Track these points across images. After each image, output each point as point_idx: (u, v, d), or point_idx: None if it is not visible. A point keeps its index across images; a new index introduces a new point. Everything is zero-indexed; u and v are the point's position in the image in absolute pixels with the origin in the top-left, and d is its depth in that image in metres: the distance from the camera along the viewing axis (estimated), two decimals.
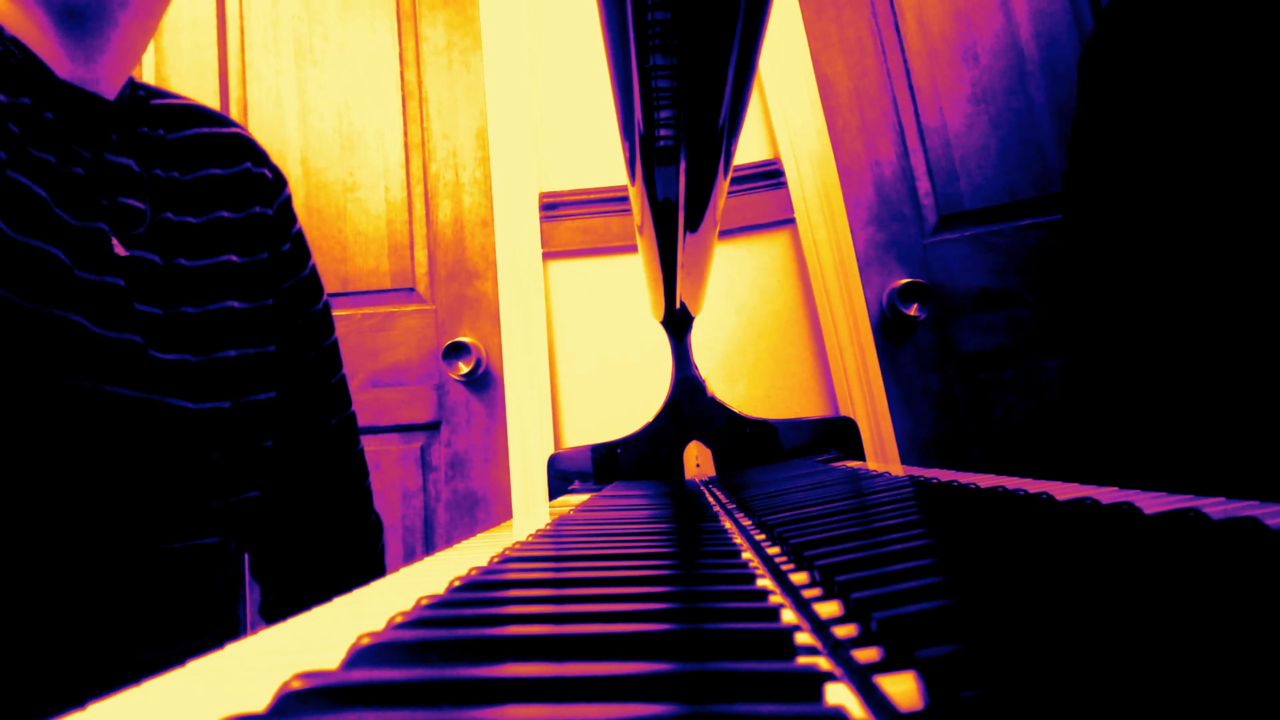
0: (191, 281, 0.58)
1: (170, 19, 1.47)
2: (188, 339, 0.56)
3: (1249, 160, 0.69)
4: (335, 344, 0.73)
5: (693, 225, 0.56)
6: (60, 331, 0.47)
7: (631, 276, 1.39)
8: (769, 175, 1.38)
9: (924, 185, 1.36)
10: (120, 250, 0.53)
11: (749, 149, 1.40)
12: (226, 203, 0.63)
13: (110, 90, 0.56)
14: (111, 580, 0.50)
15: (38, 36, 0.52)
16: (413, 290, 1.45)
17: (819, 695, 0.16)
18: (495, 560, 0.35)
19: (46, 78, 0.52)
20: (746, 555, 0.36)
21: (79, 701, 0.20)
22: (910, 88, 1.38)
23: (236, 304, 0.60)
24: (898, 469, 0.74)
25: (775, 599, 0.26)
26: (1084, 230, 0.86)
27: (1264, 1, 0.69)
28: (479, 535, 0.54)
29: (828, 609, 0.25)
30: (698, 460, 0.98)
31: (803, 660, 0.19)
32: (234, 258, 0.61)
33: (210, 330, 0.58)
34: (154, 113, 0.61)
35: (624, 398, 1.35)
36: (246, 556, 0.76)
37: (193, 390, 0.55)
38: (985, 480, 0.51)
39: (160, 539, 0.53)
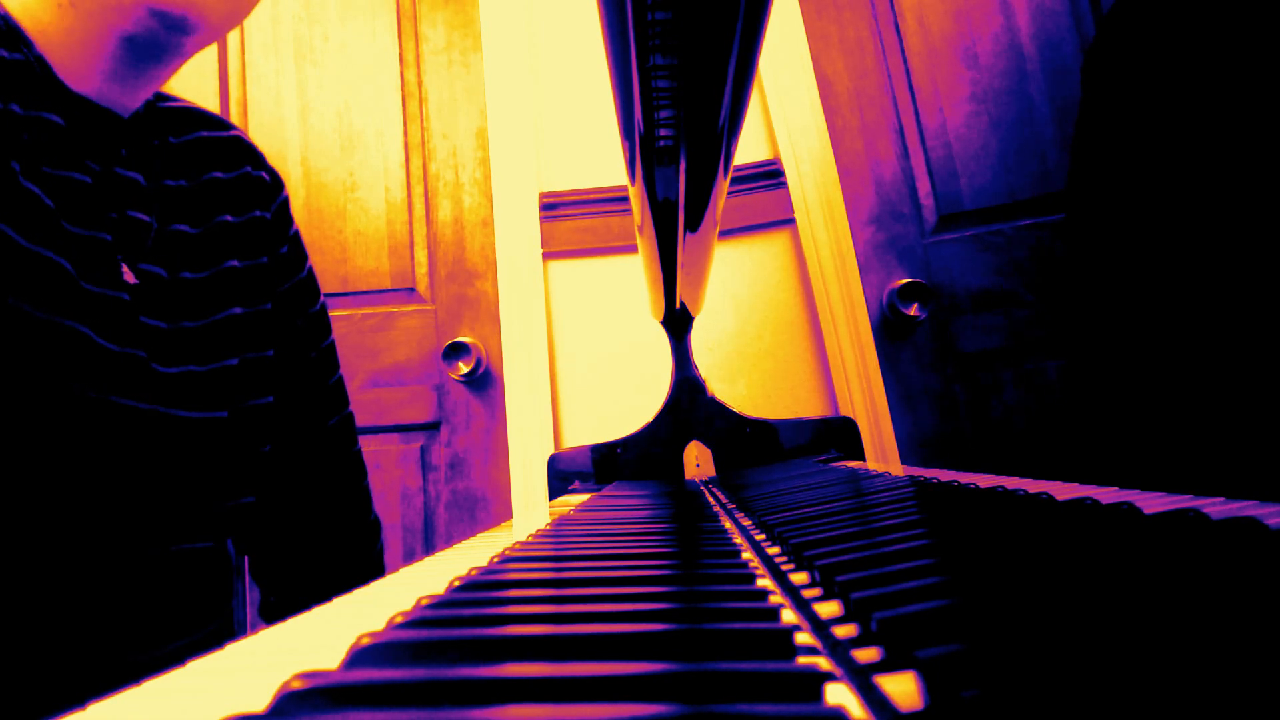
0: (195, 293, 0.58)
1: None
2: (192, 350, 0.56)
3: (1252, 162, 0.69)
4: (333, 344, 0.73)
5: (693, 225, 0.56)
6: (67, 341, 0.47)
7: (631, 276, 1.39)
8: (769, 175, 1.38)
9: (924, 185, 1.36)
10: (130, 278, 0.53)
11: (749, 149, 1.40)
12: (229, 207, 0.63)
13: (127, 110, 0.56)
14: (108, 583, 0.50)
15: (74, 54, 0.52)
16: (413, 290, 1.45)
17: (819, 695, 0.16)
18: (495, 560, 0.35)
19: (59, 90, 0.52)
20: (746, 555, 0.36)
21: (76, 701, 0.20)
22: (910, 88, 1.38)
23: (239, 310, 0.60)
24: (898, 469, 0.74)
25: (775, 599, 0.26)
26: (1087, 231, 0.86)
27: (1266, 3, 0.69)
28: (479, 535, 0.54)
29: (828, 609, 0.25)
30: (698, 460, 0.98)
31: (803, 660, 0.19)
32: (236, 263, 0.61)
33: (214, 340, 0.58)
34: (159, 117, 0.61)
35: (624, 398, 1.35)
36: (246, 558, 0.76)
37: (197, 400, 0.56)
38: (985, 480, 0.51)
39: (157, 544, 0.53)
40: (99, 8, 0.51)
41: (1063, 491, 0.41)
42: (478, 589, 0.29)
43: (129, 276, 0.53)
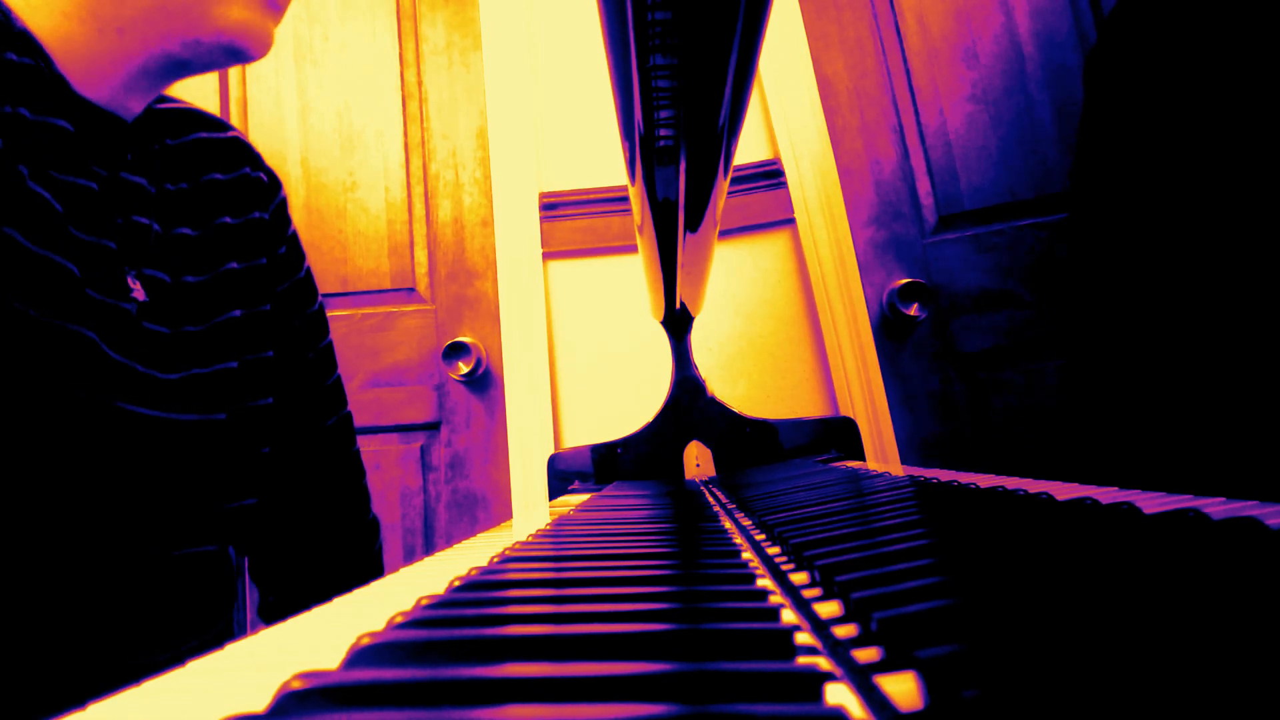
0: (197, 297, 0.58)
1: None
2: (195, 354, 0.57)
3: (1254, 163, 0.69)
4: (331, 345, 0.73)
5: (693, 225, 0.56)
6: (71, 346, 0.47)
7: (631, 276, 1.39)
8: (769, 175, 1.38)
9: (924, 185, 1.36)
10: (139, 293, 0.53)
11: (749, 149, 1.40)
12: (228, 209, 0.63)
13: (132, 115, 0.56)
14: (110, 588, 0.50)
15: (98, 67, 0.52)
16: (413, 290, 1.45)
17: (819, 695, 0.16)
18: (495, 560, 0.35)
19: (69, 96, 0.52)
20: (746, 555, 0.36)
21: (77, 703, 0.20)
22: (910, 88, 1.38)
23: (238, 312, 0.60)
24: (898, 469, 0.74)
25: (775, 599, 0.26)
26: (1089, 231, 0.86)
27: (1268, 4, 0.69)
28: (479, 535, 0.54)
29: (828, 609, 0.25)
30: (698, 460, 0.98)
31: (803, 660, 0.19)
32: (235, 264, 0.61)
33: (215, 343, 0.58)
34: (158, 119, 0.61)
35: (624, 398, 1.35)
36: (246, 559, 0.76)
37: (199, 403, 0.56)
38: (985, 480, 0.51)
39: (160, 547, 0.53)
40: (158, 35, 0.52)
41: (1063, 491, 0.41)
42: (478, 589, 0.29)
43: (138, 292, 0.53)
